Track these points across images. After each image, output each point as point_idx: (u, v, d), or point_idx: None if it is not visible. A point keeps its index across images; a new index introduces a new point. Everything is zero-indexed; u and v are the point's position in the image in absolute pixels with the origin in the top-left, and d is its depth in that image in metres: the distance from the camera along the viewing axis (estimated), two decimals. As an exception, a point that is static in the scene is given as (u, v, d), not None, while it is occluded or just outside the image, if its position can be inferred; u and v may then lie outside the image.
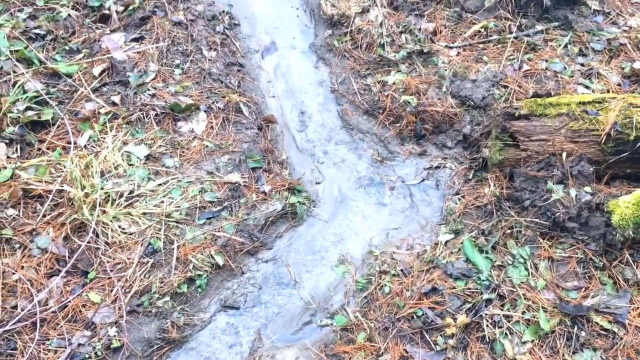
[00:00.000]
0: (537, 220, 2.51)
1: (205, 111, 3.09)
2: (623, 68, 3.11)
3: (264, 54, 3.54)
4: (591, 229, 2.43)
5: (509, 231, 2.54)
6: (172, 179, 2.76)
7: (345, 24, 3.55)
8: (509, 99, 3.02)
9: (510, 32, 3.36)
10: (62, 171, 2.70)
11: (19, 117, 2.86)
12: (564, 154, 2.62)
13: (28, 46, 3.26)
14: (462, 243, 2.54)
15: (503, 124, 2.73)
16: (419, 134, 3.06)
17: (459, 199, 2.80)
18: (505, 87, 3.07)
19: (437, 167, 2.98)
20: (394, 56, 3.28)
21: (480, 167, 2.90)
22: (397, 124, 3.09)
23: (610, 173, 2.65)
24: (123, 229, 2.53)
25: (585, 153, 2.62)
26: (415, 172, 2.98)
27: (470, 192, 2.81)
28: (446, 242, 2.60)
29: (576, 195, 2.47)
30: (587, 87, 3.03)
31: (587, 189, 2.52)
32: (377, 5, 3.57)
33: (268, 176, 2.86)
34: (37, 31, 3.40)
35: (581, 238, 2.44)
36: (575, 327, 2.18)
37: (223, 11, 3.68)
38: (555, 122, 2.65)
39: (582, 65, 3.16)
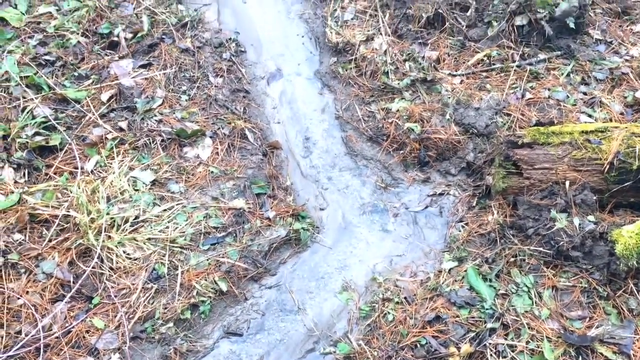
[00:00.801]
0: (541, 248, 2.52)
1: (210, 137, 3.13)
2: (625, 97, 3.15)
3: (269, 81, 3.60)
4: (595, 258, 2.44)
5: (512, 259, 2.55)
6: (177, 205, 2.79)
7: (349, 52, 3.61)
8: (512, 127, 3.05)
9: (513, 61, 3.41)
10: (69, 196, 2.74)
11: (27, 142, 2.91)
12: (567, 183, 2.64)
13: (38, 72, 3.33)
14: (465, 271, 2.55)
15: (506, 152, 2.76)
16: (423, 161, 3.09)
17: (463, 227, 2.82)
18: (508, 115, 3.11)
19: (441, 194, 3.00)
20: (398, 84, 3.33)
21: (483, 194, 2.92)
22: (401, 151, 3.12)
23: (614, 202, 2.66)
24: (128, 254, 2.56)
25: (589, 182, 2.64)
26: (419, 199, 3.00)
27: (473, 220, 2.82)
28: (450, 269, 2.61)
29: (580, 224, 2.48)
30: (589, 116, 3.06)
31: (591, 217, 2.54)
32: (381, 34, 3.63)
33: (272, 202, 2.89)
34: (47, 57, 3.47)
35: (585, 267, 2.45)
36: (580, 357, 2.17)
37: (230, 39, 3.75)
38: (558, 150, 2.67)
39: (585, 94, 3.20)
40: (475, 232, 2.75)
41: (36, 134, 3.01)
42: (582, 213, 2.56)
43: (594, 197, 2.61)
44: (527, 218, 2.66)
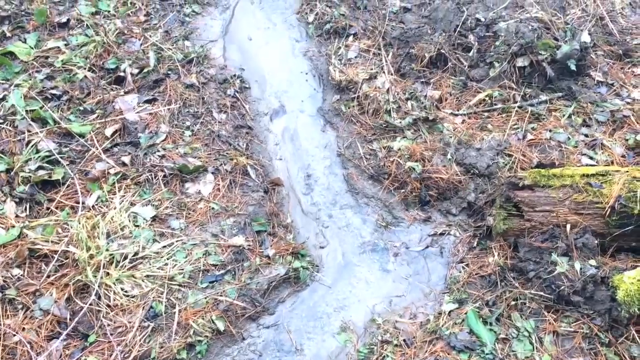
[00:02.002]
0: (542, 292, 2.51)
1: (212, 173, 3.16)
2: (627, 140, 3.17)
3: (272, 117, 3.65)
4: (596, 304, 2.43)
5: (513, 303, 2.53)
6: (176, 241, 2.80)
7: (352, 90, 3.66)
8: (513, 167, 3.07)
9: (515, 102, 3.45)
10: (69, 231, 2.76)
11: (30, 176, 2.95)
12: (568, 226, 2.64)
13: (43, 106, 3.39)
14: (466, 313, 2.54)
15: (507, 194, 2.78)
16: (424, 200, 3.10)
17: (463, 268, 2.81)
18: (510, 155, 3.13)
19: (442, 234, 3.01)
20: (400, 122, 3.37)
21: (484, 235, 2.92)
22: (402, 190, 3.14)
23: (615, 246, 2.66)
24: (125, 291, 2.56)
25: (590, 225, 2.64)
26: (420, 238, 3.01)
27: (474, 261, 2.82)
28: (450, 312, 2.60)
29: (581, 269, 2.48)
30: (591, 158, 3.08)
31: (592, 262, 2.53)
32: (384, 72, 3.69)
33: (272, 240, 2.90)
34: (53, 91, 3.53)
35: (586, 312, 2.44)
36: (581, 407, 2.14)
37: (234, 75, 3.82)
38: (559, 193, 2.69)
39: (586, 135, 3.22)
40: (476, 274, 2.75)
41: (39, 168, 3.05)
42: (583, 257, 2.56)
43: (595, 241, 2.61)
44: (528, 261, 2.65)
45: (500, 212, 2.80)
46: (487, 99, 3.52)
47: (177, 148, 3.29)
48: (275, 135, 3.54)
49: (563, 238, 2.62)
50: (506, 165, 3.09)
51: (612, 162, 3.05)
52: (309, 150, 3.46)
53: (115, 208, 2.90)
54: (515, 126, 3.32)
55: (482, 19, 3.78)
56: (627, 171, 2.70)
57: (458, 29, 3.78)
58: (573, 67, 3.45)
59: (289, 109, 3.72)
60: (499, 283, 2.64)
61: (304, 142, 3.51)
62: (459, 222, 3.03)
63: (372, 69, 3.77)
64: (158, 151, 3.24)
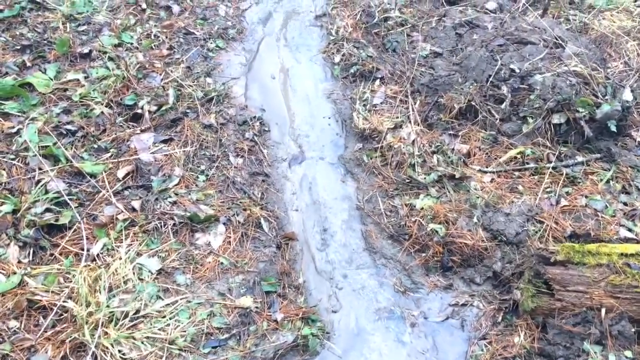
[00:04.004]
0: (571, 385, 2.32)
1: (224, 224, 3.06)
2: (670, 211, 2.98)
3: (291, 163, 3.54)
4: (632, 404, 2.23)
5: (538, 394, 2.35)
6: (181, 299, 2.69)
7: (376, 139, 3.54)
8: (545, 236, 2.89)
9: (549, 162, 3.28)
10: (71, 282, 2.66)
11: (36, 220, 2.87)
12: (603, 310, 2.46)
13: (57, 142, 3.34)
14: (486, 402, 2.36)
15: (537, 268, 2.60)
16: (446, 265, 2.94)
17: (486, 346, 2.63)
18: (541, 222, 2.96)
19: (464, 305, 2.84)
20: (424, 178, 3.22)
21: (510, 310, 2.74)
22: (423, 253, 2.98)
23: (655, 336, 2.46)
24: (123, 354, 2.45)
25: (627, 311, 2.45)
26: (440, 307, 2.84)
27: (498, 339, 2.64)
28: (468, 397, 2.42)
29: (616, 362, 2.29)
30: (629, 230, 2.89)
31: (628, 353, 2.35)
32: (410, 122, 3.56)
33: (282, 302, 2.77)
34: (68, 127, 3.48)
35: (620, 412, 2.24)
36: None
37: (254, 117, 3.73)
38: (595, 273, 2.50)
39: (625, 204, 3.03)
40: (499, 355, 2.57)
41: (46, 210, 2.98)
42: (618, 346, 2.37)
43: (633, 329, 2.42)
44: (557, 345, 2.47)
45: (528, 288, 2.62)
46: (518, 156, 3.35)
47: (189, 194, 3.20)
48: (293, 183, 3.43)
49: (597, 323, 2.43)
50: (537, 233, 2.91)
51: (654, 237, 2.85)
52: (327, 201, 3.34)
53: (120, 258, 2.80)
54: (549, 189, 3.14)
55: (517, 70, 3.62)
56: (671, 253, 2.50)
57: (490, 79, 3.63)
58: (613, 128, 3.27)
59: (308, 155, 3.60)
60: (524, 368, 2.46)
61: (322, 193, 3.38)
62: (483, 292, 2.86)
63: (397, 117, 3.64)
64: (170, 197, 3.15)
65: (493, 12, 4.42)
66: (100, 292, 2.61)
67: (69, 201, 3.06)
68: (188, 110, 3.70)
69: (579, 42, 3.88)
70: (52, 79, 3.81)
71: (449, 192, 3.18)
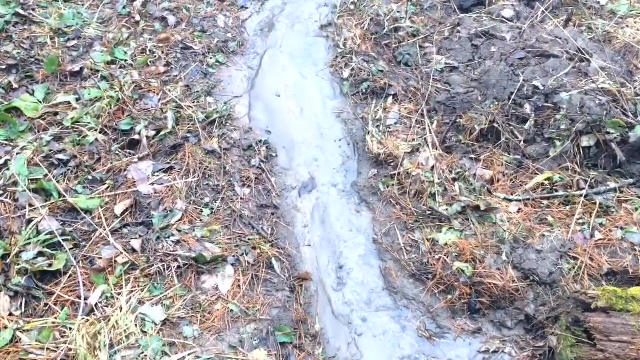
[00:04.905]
0: None
1: (233, 264, 2.86)
2: None
3: (301, 192, 3.34)
4: None
5: None
6: (189, 355, 2.49)
7: (392, 164, 3.34)
8: (579, 274, 2.71)
9: (579, 189, 3.10)
10: (67, 337, 2.47)
11: (28, 268, 2.66)
12: (651, 364, 2.28)
13: (48, 174, 3.12)
14: None
15: (576, 315, 2.42)
16: (474, 307, 2.76)
17: (521, 400, 2.46)
18: (575, 259, 2.78)
19: (494, 352, 2.66)
20: (446, 210, 3.03)
21: (545, 358, 2.57)
22: (449, 295, 2.80)
23: None
24: (128, 423, 2.25)
25: (678, 365, 2.27)
26: (468, 355, 2.66)
27: (534, 392, 2.46)
28: None
29: None
30: (671, 267, 2.71)
31: (681, 413, 2.16)
32: (428, 145, 3.36)
33: (299, 355, 2.58)
34: (60, 156, 3.27)
35: None
36: None
37: (260, 140, 3.52)
38: (640, 322, 2.33)
39: (665, 237, 2.85)
40: (537, 411, 2.39)
41: (39, 254, 2.77)
42: (669, 404, 2.19)
43: (684, 386, 2.24)
44: (601, 401, 2.29)
45: (567, 336, 2.44)
46: (546, 182, 3.16)
47: (193, 230, 3.00)
48: (304, 215, 3.23)
49: (645, 379, 2.26)
50: (571, 270, 2.73)
51: (698, 275, 2.68)
52: (341, 234, 3.14)
53: (121, 309, 2.60)
54: (581, 221, 2.96)
55: (541, 87, 3.43)
56: None
57: (512, 97, 3.43)
58: (647, 152, 3.09)
59: (319, 182, 3.40)
60: None
61: (335, 225, 3.19)
62: (515, 337, 2.68)
63: (414, 140, 3.44)
64: (172, 235, 2.95)
65: (510, 20, 4.22)
66: (100, 350, 2.41)
67: (63, 242, 2.85)
68: (189, 135, 3.49)
69: (604, 54, 3.69)
70: (41, 102, 3.60)
71: (473, 224, 2.99)
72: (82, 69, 3.83)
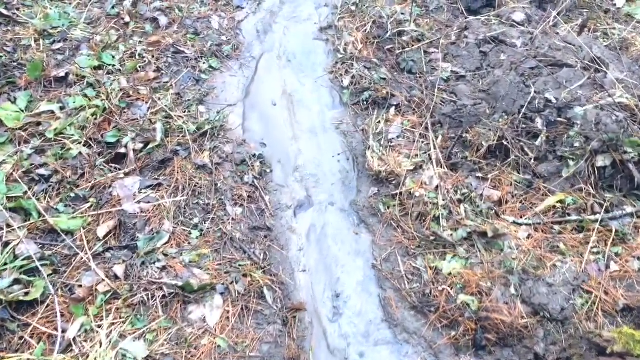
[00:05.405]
0: None
1: (222, 294, 2.70)
2: None
3: (296, 211, 3.16)
4: None
5: None
6: (172, 397, 2.33)
7: (393, 183, 3.16)
8: (593, 310, 2.53)
9: (593, 213, 2.91)
10: (43, 376, 2.31)
11: (2, 298, 2.50)
12: (672, 418, 2.11)
13: (27, 192, 2.95)
14: None
15: (589, 358, 2.25)
16: (479, 344, 2.59)
17: None
18: (589, 293, 2.60)
19: (501, 393, 2.49)
20: (451, 235, 2.85)
21: (556, 402, 2.40)
22: (452, 331, 2.63)
23: None
24: None
25: (701, 419, 2.10)
26: (473, 396, 2.50)
27: None
28: None
29: None
30: (693, 303, 2.53)
31: None
32: (432, 162, 3.17)
33: (290, 397, 2.42)
34: (42, 171, 3.10)
35: None
36: None
37: (254, 154, 3.34)
38: (660, 370, 2.15)
39: (685, 269, 2.67)
40: None
41: (15, 281, 2.60)
42: None
43: None
44: None
45: (579, 381, 2.27)
46: (558, 204, 2.98)
47: (181, 254, 2.83)
48: (299, 236, 3.05)
49: None
50: (584, 306, 2.56)
51: None
52: (338, 258, 2.97)
53: (100, 344, 2.44)
54: (595, 249, 2.78)
55: (553, 100, 3.23)
56: None
57: (523, 111, 3.24)
58: (667, 174, 2.90)
59: (316, 200, 3.22)
60: None
61: (332, 247, 3.01)
62: (523, 378, 2.51)
63: (417, 156, 3.26)
64: (158, 260, 2.78)
65: (521, 24, 4.00)
66: (76, 393, 2.25)
67: (41, 268, 2.68)
68: (178, 148, 3.31)
69: (621, 64, 3.48)
70: (23, 111, 3.41)
71: (479, 251, 2.81)
72: (67, 74, 3.64)
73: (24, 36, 3.89)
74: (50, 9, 4.15)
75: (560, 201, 2.99)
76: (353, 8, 4.32)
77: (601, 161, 3.01)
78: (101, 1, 4.32)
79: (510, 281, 2.66)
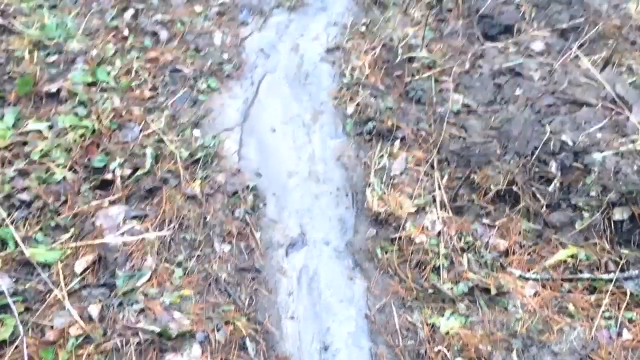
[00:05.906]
0: None
1: (201, 342, 2.53)
2: None
3: (289, 250, 3.00)
4: None
5: None
6: None
7: (393, 225, 2.98)
8: (602, 385, 2.34)
9: (607, 271, 2.71)
10: None
11: (-33, 341, 2.37)
12: None
13: (5, 219, 2.81)
14: None
15: None
16: (475, 414, 2.40)
17: None
18: (598, 364, 2.40)
19: None
20: (451, 289, 2.67)
21: None
22: (447, 398, 2.44)
23: None
24: None
25: None
26: None
27: None
28: None
29: None
30: None
31: None
32: (436, 205, 2.99)
33: None
34: (23, 196, 2.96)
35: None
36: None
37: (247, 186, 3.18)
38: None
39: None
40: None
41: (-17, 320, 2.47)
42: None
43: None
44: None
45: None
46: (569, 260, 2.78)
47: (162, 295, 2.67)
48: (290, 279, 2.89)
49: None
50: (592, 379, 2.36)
51: None
52: (330, 305, 2.80)
53: (67, 396, 2.29)
54: (607, 313, 2.57)
55: (570, 143, 3.03)
56: None
57: (537, 153, 3.04)
58: (690, 233, 2.68)
59: (310, 238, 3.05)
60: None
61: (325, 292, 2.84)
62: None
63: (420, 195, 3.07)
64: (137, 301, 2.62)
65: (540, 54, 3.79)
66: None
67: (12, 305, 2.54)
68: (168, 175, 3.16)
69: (645, 105, 3.26)
70: (10, 129, 3.28)
71: (481, 308, 2.63)
72: (59, 90, 3.51)
73: (18, 47, 3.76)
74: (49, 18, 4.01)
75: (572, 256, 2.79)
76: (363, 29, 4.14)
77: (619, 214, 2.81)
78: (102, 10, 4.18)
79: (512, 345, 2.47)
